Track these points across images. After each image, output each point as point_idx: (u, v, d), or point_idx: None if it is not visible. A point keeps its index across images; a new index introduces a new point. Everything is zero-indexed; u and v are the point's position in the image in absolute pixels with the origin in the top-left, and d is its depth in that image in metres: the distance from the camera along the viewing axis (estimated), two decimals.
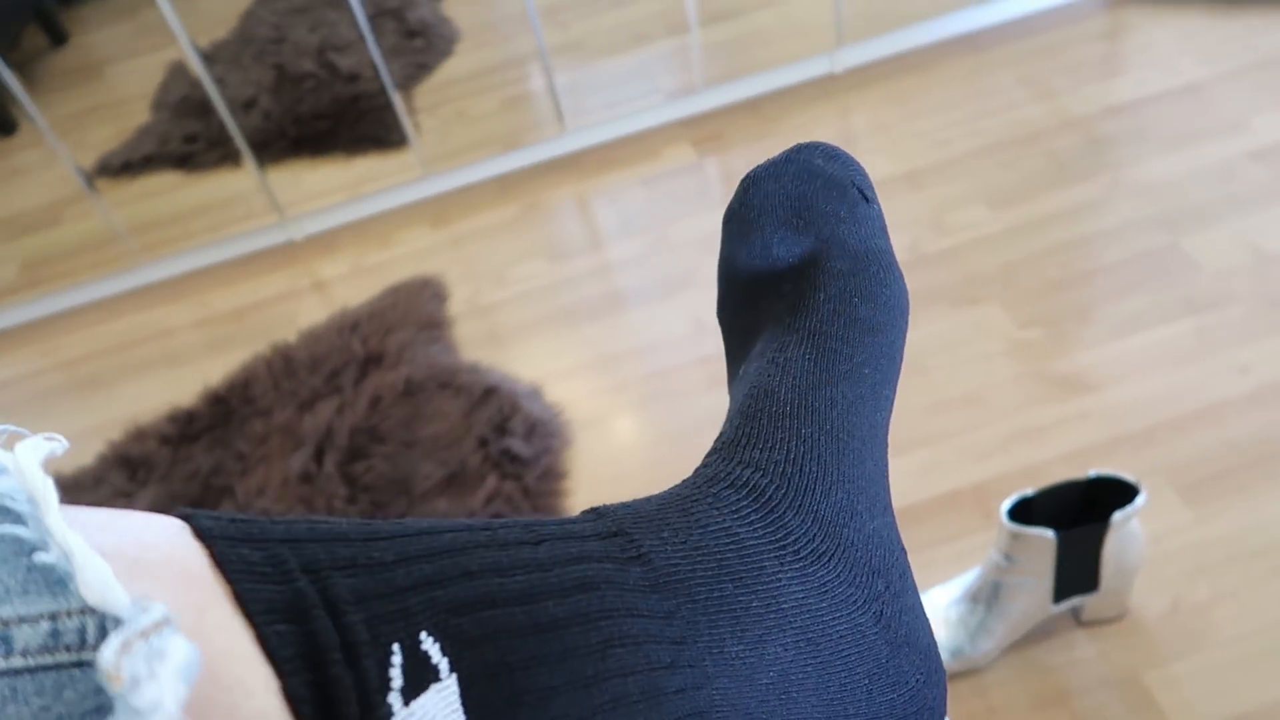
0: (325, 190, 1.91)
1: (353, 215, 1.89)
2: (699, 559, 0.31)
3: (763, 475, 0.34)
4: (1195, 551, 1.03)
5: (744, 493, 0.34)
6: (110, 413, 1.59)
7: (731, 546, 0.32)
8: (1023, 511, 0.91)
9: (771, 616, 0.31)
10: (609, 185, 1.80)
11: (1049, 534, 0.87)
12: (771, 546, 0.33)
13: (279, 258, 1.86)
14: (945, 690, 0.34)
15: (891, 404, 0.37)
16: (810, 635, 0.31)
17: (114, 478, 1.42)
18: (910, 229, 1.51)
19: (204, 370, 1.61)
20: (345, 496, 1.28)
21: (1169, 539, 1.03)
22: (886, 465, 0.36)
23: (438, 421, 1.37)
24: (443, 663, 0.25)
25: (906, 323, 0.38)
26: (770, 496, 0.34)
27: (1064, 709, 0.94)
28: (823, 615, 0.32)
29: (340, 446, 1.35)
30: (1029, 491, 0.91)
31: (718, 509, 0.33)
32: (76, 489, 1.43)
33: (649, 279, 1.58)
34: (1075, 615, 0.99)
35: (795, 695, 0.30)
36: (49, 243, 1.98)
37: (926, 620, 0.35)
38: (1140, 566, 0.93)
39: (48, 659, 0.19)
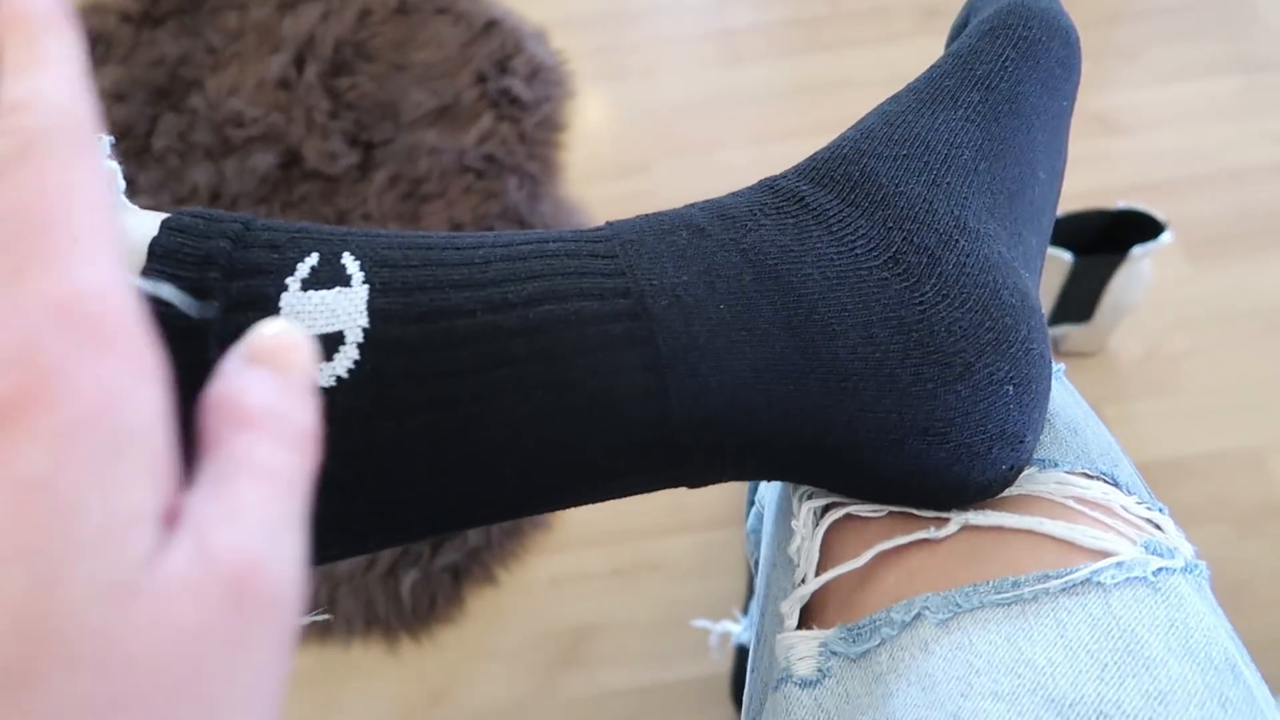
0: None
1: None
2: (659, 220, 0.31)
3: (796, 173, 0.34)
4: (1184, 305, 1.04)
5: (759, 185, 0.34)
6: None
7: (704, 209, 0.32)
8: None
9: (724, 254, 0.30)
10: None
11: (1066, 255, 0.86)
12: (745, 203, 0.32)
13: None
14: (1012, 359, 0.30)
15: (1026, 179, 0.34)
16: (778, 273, 0.30)
17: None
18: None
19: None
20: (327, 111, 1.20)
21: (1162, 289, 1.04)
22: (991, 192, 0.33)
23: (432, 47, 1.26)
24: (358, 275, 0.28)
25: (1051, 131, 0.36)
26: (787, 175, 0.34)
27: None
28: (800, 257, 0.30)
29: (323, 57, 1.25)
30: None
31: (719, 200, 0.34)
32: None
33: None
34: (1054, 344, 1.00)
35: (758, 329, 0.29)
36: None
37: (1010, 294, 0.31)
38: (1135, 307, 0.94)
39: None
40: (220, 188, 1.15)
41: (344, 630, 0.88)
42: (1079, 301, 0.91)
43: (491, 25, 1.28)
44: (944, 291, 0.30)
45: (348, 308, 0.28)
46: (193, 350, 0.26)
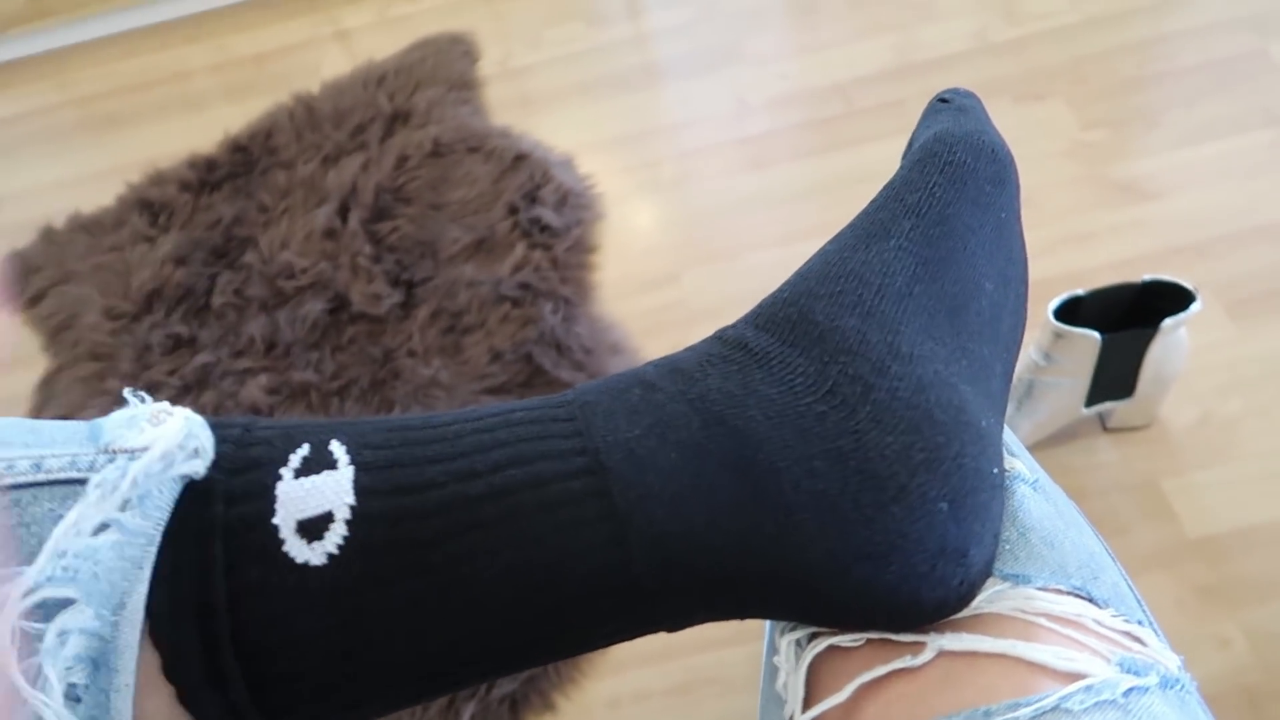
0: None
1: None
2: (617, 381, 0.34)
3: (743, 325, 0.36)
4: (1232, 367, 1.01)
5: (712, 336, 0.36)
6: (128, 154, 1.55)
7: (658, 365, 0.34)
8: (1068, 312, 0.89)
9: (673, 405, 0.32)
10: None
11: (1094, 335, 0.85)
12: (695, 356, 0.34)
13: (300, 3, 1.76)
14: (955, 482, 0.31)
15: (963, 310, 0.36)
16: (723, 418, 0.31)
17: (135, 221, 1.40)
18: (978, 15, 1.40)
19: (223, 117, 1.55)
20: (371, 255, 1.26)
21: (1208, 353, 1.01)
22: (929, 319, 0.35)
23: (465, 185, 1.33)
24: (344, 459, 0.31)
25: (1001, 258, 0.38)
26: (736, 326, 0.36)
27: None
28: (743, 400, 0.32)
29: (365, 204, 1.32)
30: (1079, 291, 0.88)
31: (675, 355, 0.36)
32: (98, 229, 1.41)
33: (692, 51, 1.49)
34: (1102, 420, 0.98)
35: (708, 473, 0.30)
36: None
37: (942, 411, 0.32)
38: (1178, 376, 0.92)
39: (60, 476, 0.29)
40: (275, 337, 1.21)
41: None
42: (1117, 378, 0.90)
43: (520, 158, 1.34)
44: (877, 417, 0.31)
45: (335, 489, 0.30)
46: (200, 545, 0.29)
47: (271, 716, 0.30)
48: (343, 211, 1.32)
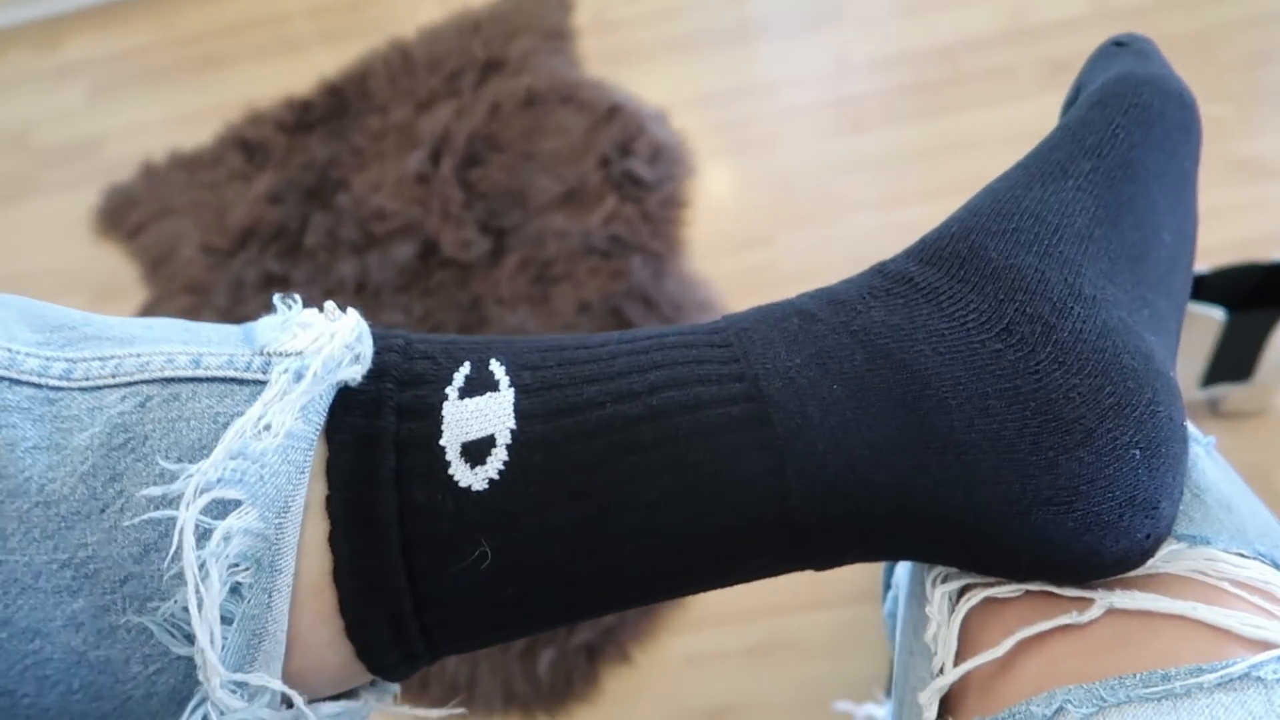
0: None
1: None
2: (771, 310, 0.33)
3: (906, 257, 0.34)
4: None
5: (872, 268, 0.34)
6: (226, 95, 1.56)
7: (814, 296, 0.33)
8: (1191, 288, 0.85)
9: (835, 336, 0.30)
10: None
11: (1219, 312, 0.81)
12: (855, 288, 0.33)
13: None
14: (1140, 428, 0.29)
15: (1146, 259, 0.34)
16: (889, 351, 0.30)
17: (231, 159, 1.41)
18: None
19: (319, 61, 1.56)
20: (461, 202, 1.26)
21: None
22: (1102, 248, 0.33)
23: (558, 136, 1.31)
24: (505, 380, 0.31)
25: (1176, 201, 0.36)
26: (897, 258, 0.34)
27: None
28: (911, 335, 0.30)
29: (457, 151, 1.31)
30: (1203, 268, 0.84)
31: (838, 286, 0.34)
32: (197, 166, 1.43)
33: (793, 8, 1.45)
34: (1213, 404, 0.94)
35: (872, 407, 0.29)
36: None
37: (1131, 357, 0.30)
38: None
39: (219, 374, 0.29)
40: (364, 279, 1.22)
41: (483, 709, 0.89)
42: (1237, 359, 0.86)
43: (613, 111, 1.32)
44: (1060, 359, 0.29)
45: (498, 411, 0.30)
46: (374, 456, 0.29)
47: (425, 629, 0.30)
48: (435, 157, 1.32)
